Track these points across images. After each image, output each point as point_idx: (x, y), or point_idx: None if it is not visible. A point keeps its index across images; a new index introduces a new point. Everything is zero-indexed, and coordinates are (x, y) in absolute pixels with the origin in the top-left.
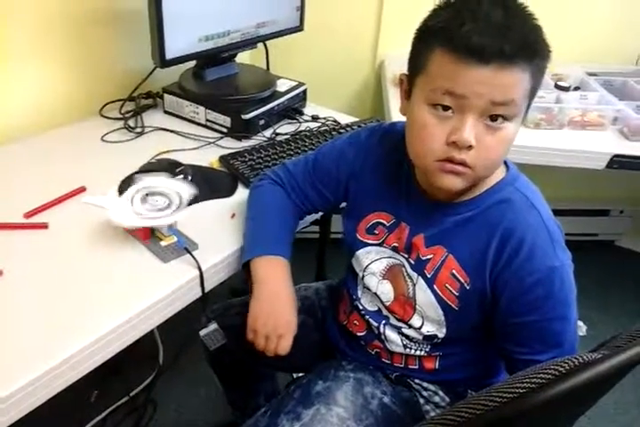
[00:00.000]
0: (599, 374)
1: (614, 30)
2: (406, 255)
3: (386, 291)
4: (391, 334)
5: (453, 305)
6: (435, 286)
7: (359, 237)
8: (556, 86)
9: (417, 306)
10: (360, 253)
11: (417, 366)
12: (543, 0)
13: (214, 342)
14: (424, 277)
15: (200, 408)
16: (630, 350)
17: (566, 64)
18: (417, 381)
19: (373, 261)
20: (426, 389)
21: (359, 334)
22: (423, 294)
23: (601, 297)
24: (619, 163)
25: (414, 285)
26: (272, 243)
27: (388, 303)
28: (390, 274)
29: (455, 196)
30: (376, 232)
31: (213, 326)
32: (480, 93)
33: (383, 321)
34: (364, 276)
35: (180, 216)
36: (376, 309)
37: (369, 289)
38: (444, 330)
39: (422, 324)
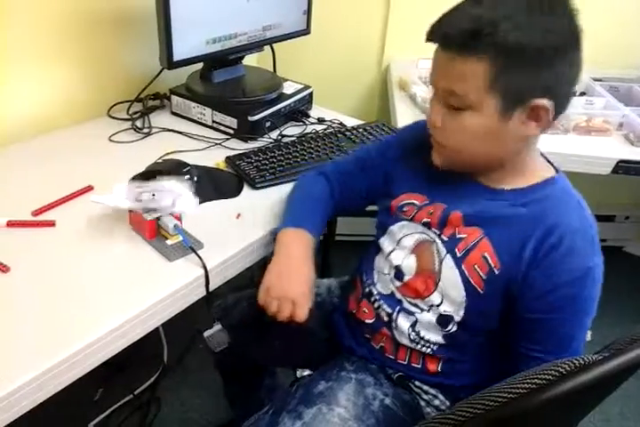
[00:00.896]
0: (600, 376)
1: (620, 36)
2: (438, 232)
3: (410, 264)
4: (402, 323)
5: (479, 288)
6: (463, 266)
7: (393, 214)
8: None
9: (440, 283)
10: (394, 227)
11: (420, 366)
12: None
13: (219, 344)
14: (454, 255)
15: (204, 407)
16: (631, 352)
17: None
18: (417, 383)
19: (405, 236)
20: (426, 392)
21: (367, 321)
22: (450, 272)
23: (610, 303)
24: (624, 168)
25: (441, 261)
26: (303, 219)
27: (407, 278)
28: (418, 249)
29: (494, 181)
30: (405, 210)
31: (218, 326)
32: (439, 79)
33: (397, 307)
34: (393, 250)
35: (179, 209)
36: (389, 292)
37: (393, 265)
38: (462, 313)
39: (441, 302)
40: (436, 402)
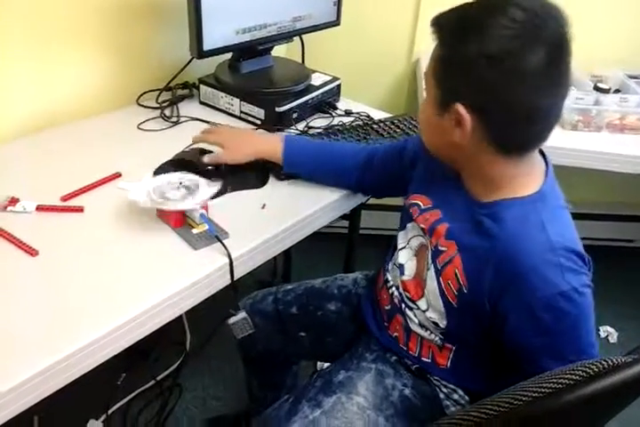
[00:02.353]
0: (629, 378)
1: None
2: (428, 240)
3: (411, 266)
4: (409, 311)
5: (453, 303)
6: (440, 279)
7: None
8: (596, 88)
9: (425, 290)
10: (409, 225)
11: (430, 360)
12: (584, 2)
13: (242, 331)
14: (435, 266)
15: (225, 395)
16: None
17: (606, 66)
18: (436, 377)
19: (415, 236)
20: (445, 386)
21: (386, 307)
22: (430, 282)
23: (635, 304)
24: None
25: (428, 270)
26: (298, 153)
27: (406, 279)
28: (419, 252)
29: (475, 192)
30: (411, 211)
31: (242, 314)
32: None
33: (404, 297)
34: (404, 247)
35: (185, 206)
36: (397, 284)
37: (398, 262)
38: (445, 322)
39: (427, 308)
40: (455, 396)
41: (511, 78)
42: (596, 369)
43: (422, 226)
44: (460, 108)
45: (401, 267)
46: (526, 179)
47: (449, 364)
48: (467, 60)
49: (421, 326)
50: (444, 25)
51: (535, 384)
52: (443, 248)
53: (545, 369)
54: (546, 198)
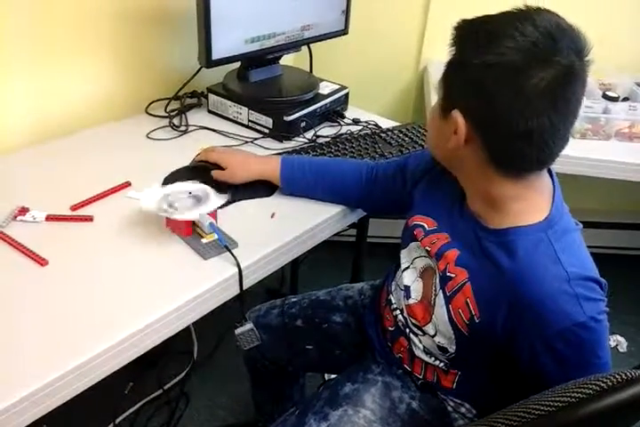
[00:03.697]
0: None
1: None
2: (435, 264)
3: (417, 288)
4: (414, 337)
5: (464, 331)
6: (450, 306)
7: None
8: (604, 96)
9: (433, 316)
10: (412, 245)
11: (435, 381)
12: (592, 8)
13: (249, 342)
14: (444, 293)
15: (231, 405)
16: None
17: (615, 74)
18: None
19: (419, 257)
20: (452, 400)
21: (390, 328)
22: (440, 310)
23: None
24: None
25: (436, 295)
26: (296, 170)
27: (412, 302)
28: (424, 274)
29: (483, 217)
30: (415, 232)
31: (249, 325)
32: None
33: (408, 322)
34: (408, 267)
35: (194, 216)
36: (401, 307)
37: (403, 284)
38: (454, 347)
39: (435, 334)
40: (463, 409)
41: (508, 92)
42: (610, 383)
43: (428, 248)
44: (457, 115)
45: (407, 289)
46: (531, 203)
47: (454, 386)
48: (470, 66)
49: (426, 352)
50: (461, 30)
51: (548, 398)
52: (452, 275)
53: None
54: (555, 224)
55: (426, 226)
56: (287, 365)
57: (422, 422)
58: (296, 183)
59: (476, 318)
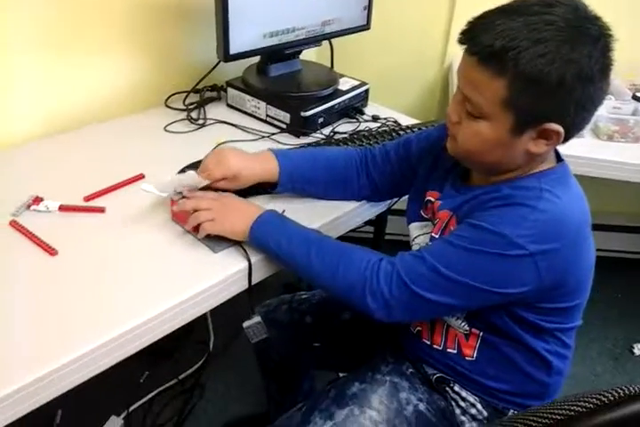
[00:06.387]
0: None
1: None
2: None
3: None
4: None
5: None
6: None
7: (414, 212)
8: (634, 97)
9: None
10: (411, 226)
11: (455, 351)
12: (625, 7)
13: (256, 335)
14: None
15: (246, 396)
16: None
17: None
18: (456, 388)
19: (420, 235)
20: (464, 399)
21: None
22: None
23: None
24: None
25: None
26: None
27: None
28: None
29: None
30: (427, 209)
31: (257, 318)
32: (460, 81)
33: None
34: (412, 246)
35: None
36: None
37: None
38: None
39: None
40: (473, 411)
41: (594, 93)
42: (611, 397)
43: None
44: (553, 126)
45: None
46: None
47: (475, 354)
48: (555, 88)
49: None
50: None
51: (547, 410)
52: (435, 220)
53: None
54: (553, 181)
55: (433, 199)
56: (295, 360)
57: (429, 424)
58: (296, 171)
59: None
